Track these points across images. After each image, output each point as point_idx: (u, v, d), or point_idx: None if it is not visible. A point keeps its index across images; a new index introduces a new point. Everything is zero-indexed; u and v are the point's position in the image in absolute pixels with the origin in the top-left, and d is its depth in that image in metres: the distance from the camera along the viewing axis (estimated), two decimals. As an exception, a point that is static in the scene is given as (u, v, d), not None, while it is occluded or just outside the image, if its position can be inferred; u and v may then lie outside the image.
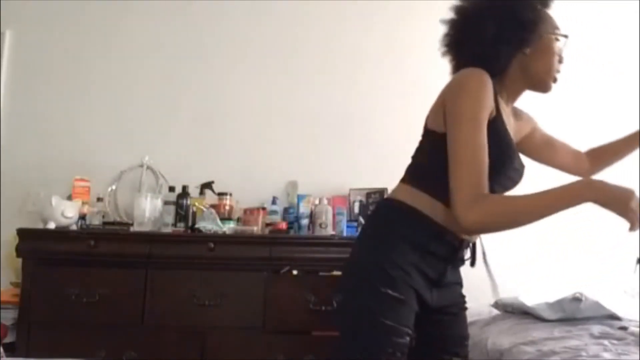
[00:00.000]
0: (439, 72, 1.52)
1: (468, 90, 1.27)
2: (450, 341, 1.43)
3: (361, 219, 2.60)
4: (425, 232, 1.30)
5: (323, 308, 2.22)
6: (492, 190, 1.26)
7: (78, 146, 2.83)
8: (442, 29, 1.44)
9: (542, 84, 1.43)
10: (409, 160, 1.43)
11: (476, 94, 1.25)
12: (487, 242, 2.84)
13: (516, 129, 1.52)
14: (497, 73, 1.35)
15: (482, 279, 2.72)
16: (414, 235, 1.30)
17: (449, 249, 1.34)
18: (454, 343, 1.43)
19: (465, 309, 1.50)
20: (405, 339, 1.27)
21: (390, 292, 1.26)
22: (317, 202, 2.63)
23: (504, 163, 1.34)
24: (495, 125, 1.30)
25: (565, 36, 1.41)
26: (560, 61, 1.43)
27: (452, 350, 1.42)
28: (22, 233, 2.35)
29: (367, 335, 1.27)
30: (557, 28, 1.43)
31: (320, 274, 2.35)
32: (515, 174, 1.44)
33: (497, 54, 1.34)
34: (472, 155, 1.21)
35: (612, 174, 2.95)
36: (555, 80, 1.43)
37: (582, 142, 2.98)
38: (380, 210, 1.45)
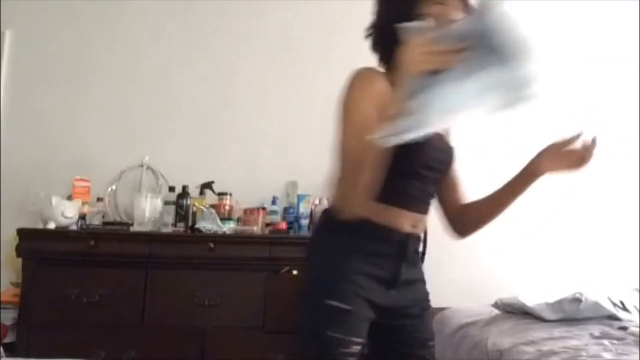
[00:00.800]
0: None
1: (346, 93, 1.27)
2: (415, 345, 1.39)
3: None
4: (367, 234, 1.28)
5: (323, 308, 2.22)
6: (416, 175, 1.30)
7: (78, 146, 2.82)
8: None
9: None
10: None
11: (354, 96, 1.25)
12: (487, 242, 2.86)
13: None
14: (385, 62, 1.34)
15: (482, 279, 2.75)
16: (356, 241, 1.28)
17: (395, 246, 1.31)
18: (419, 346, 1.39)
19: (429, 307, 1.46)
20: (352, 348, 1.25)
21: (335, 303, 1.26)
22: (317, 202, 2.63)
23: (409, 148, 1.20)
24: None
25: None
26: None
27: (417, 354, 1.38)
28: (22, 233, 2.35)
29: (313, 348, 1.28)
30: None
31: (320, 274, 2.35)
32: (439, 154, 1.41)
33: (377, 42, 1.36)
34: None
35: (613, 174, 2.97)
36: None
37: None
38: (320, 222, 1.42)
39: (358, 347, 1.27)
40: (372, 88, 1.24)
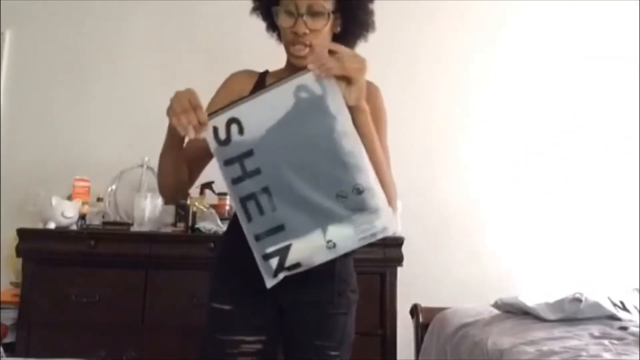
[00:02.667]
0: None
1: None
2: (304, 347, 1.30)
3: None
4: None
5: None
6: None
7: (78, 146, 2.82)
8: None
9: (289, 55, 1.36)
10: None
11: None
12: (488, 242, 2.86)
13: None
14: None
15: (482, 279, 2.74)
16: (237, 237, 1.21)
17: None
18: (309, 350, 1.29)
19: (334, 309, 1.31)
20: (243, 348, 1.25)
21: (216, 305, 1.30)
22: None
23: None
24: None
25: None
26: (289, 33, 1.31)
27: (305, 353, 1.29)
28: (22, 233, 2.35)
29: (204, 351, 1.30)
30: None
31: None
32: None
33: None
34: None
35: (612, 174, 2.97)
36: (296, 55, 1.32)
37: (582, 141, 3.00)
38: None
39: (254, 346, 1.26)
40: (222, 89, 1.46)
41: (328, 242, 1.12)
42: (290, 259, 1.13)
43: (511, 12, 2.98)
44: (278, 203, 1.13)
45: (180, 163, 1.27)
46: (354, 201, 1.11)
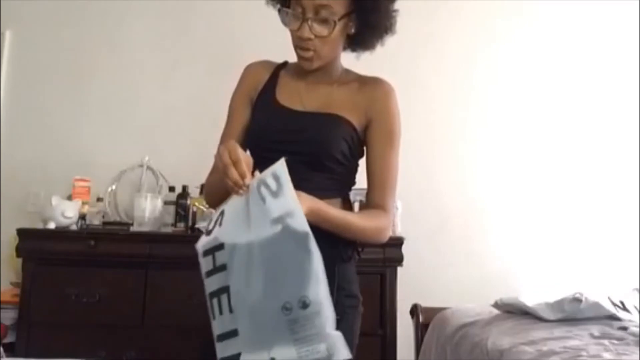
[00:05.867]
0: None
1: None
2: None
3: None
4: None
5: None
6: (261, 160, 1.17)
7: (78, 146, 2.82)
8: None
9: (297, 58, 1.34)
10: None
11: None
12: (488, 242, 2.86)
13: (325, 97, 1.35)
14: None
15: (482, 279, 2.74)
16: None
17: None
18: None
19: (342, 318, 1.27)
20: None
21: None
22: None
23: (256, 129, 1.33)
24: (258, 100, 1.37)
25: (279, 10, 1.33)
26: (295, 36, 1.29)
27: None
28: (22, 233, 2.35)
29: (201, 350, 1.31)
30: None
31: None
32: (281, 134, 1.30)
33: None
34: None
35: (613, 174, 2.97)
36: (301, 57, 1.30)
37: (582, 141, 3.00)
38: None
39: None
40: (242, 82, 1.43)
41: (272, 359, 1.04)
42: None
43: (511, 12, 2.98)
44: (235, 305, 1.07)
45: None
46: (298, 316, 1.02)
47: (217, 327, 1.11)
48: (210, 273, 1.11)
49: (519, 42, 2.99)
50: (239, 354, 1.06)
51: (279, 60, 1.43)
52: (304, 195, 1.12)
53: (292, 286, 1.03)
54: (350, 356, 1.03)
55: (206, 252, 1.11)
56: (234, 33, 2.90)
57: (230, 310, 1.08)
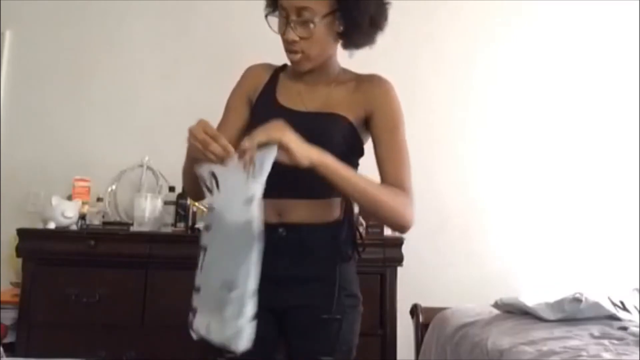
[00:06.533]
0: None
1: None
2: (297, 351, 1.28)
3: (361, 219, 2.60)
4: None
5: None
6: None
7: (78, 146, 2.82)
8: None
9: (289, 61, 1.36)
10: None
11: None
12: (488, 242, 2.86)
13: (325, 97, 1.36)
14: None
15: (482, 279, 2.74)
16: None
17: (265, 239, 1.11)
18: (302, 355, 1.28)
19: (325, 314, 1.27)
20: (224, 356, 1.22)
21: None
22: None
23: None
24: (258, 101, 1.39)
25: (266, 16, 1.36)
26: (283, 40, 1.31)
27: None
28: (22, 233, 2.35)
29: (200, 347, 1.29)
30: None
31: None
32: None
33: None
34: None
35: (613, 174, 2.97)
36: (291, 60, 1.33)
37: (582, 141, 3.00)
38: None
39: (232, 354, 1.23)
40: (240, 83, 1.48)
41: (208, 324, 1.13)
42: (194, 323, 1.17)
43: (511, 12, 2.98)
44: (204, 266, 1.16)
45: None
46: (220, 296, 1.09)
47: (195, 278, 1.20)
48: (205, 228, 1.21)
49: (518, 42, 2.99)
50: (196, 309, 1.18)
51: (279, 61, 1.44)
52: (314, 148, 1.14)
53: (231, 267, 1.09)
54: (248, 347, 1.07)
55: (209, 209, 1.21)
56: (234, 33, 2.90)
57: (201, 268, 1.18)
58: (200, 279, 1.17)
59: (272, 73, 1.42)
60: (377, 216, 1.26)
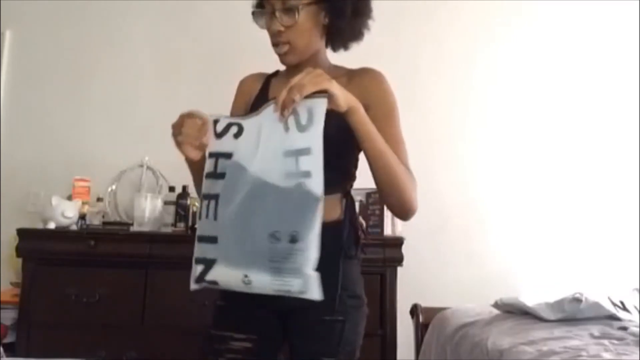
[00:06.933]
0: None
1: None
2: (299, 352, 1.27)
3: (361, 219, 2.60)
4: None
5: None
6: None
7: (78, 146, 2.82)
8: None
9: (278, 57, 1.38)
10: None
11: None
12: (488, 242, 2.86)
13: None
14: None
15: (482, 279, 2.75)
16: None
17: None
18: (304, 355, 1.26)
19: (328, 315, 1.24)
20: (231, 344, 1.25)
21: (218, 302, 1.32)
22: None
23: None
24: (252, 108, 1.39)
25: (252, 13, 1.38)
26: (269, 35, 1.34)
27: None
28: (22, 233, 2.35)
29: (201, 347, 1.33)
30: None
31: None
32: None
33: None
34: None
35: (613, 174, 2.97)
36: (278, 54, 1.35)
37: (582, 141, 3.00)
38: None
39: (242, 344, 1.25)
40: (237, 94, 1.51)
41: (245, 276, 1.07)
42: (211, 274, 1.11)
43: (511, 12, 2.98)
44: (221, 215, 1.10)
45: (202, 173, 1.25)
46: (283, 248, 1.03)
47: (200, 227, 1.15)
48: (209, 175, 1.15)
49: (518, 42, 2.99)
50: (214, 260, 1.10)
51: (278, 65, 1.44)
52: (350, 94, 1.13)
53: (286, 220, 1.04)
54: (321, 298, 1.04)
55: (211, 155, 1.16)
56: (234, 33, 2.90)
57: (215, 218, 1.11)
58: (214, 227, 1.11)
59: (264, 80, 1.45)
60: (389, 186, 1.23)
